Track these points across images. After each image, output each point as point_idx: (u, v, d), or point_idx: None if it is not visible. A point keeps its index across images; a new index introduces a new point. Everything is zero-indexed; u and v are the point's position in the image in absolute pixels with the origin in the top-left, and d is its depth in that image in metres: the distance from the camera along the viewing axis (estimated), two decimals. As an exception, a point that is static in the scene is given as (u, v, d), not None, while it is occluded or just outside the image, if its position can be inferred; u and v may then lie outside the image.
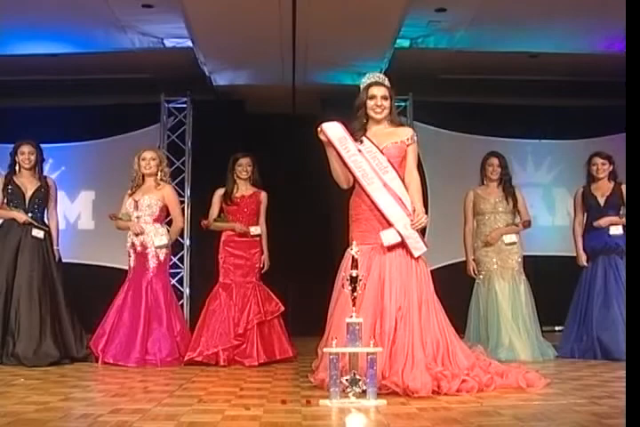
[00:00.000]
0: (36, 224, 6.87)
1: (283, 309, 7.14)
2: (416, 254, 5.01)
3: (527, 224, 7.35)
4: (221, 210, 7.31)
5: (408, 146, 5.21)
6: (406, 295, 4.92)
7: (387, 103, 5.24)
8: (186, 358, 6.69)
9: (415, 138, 5.23)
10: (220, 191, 7.31)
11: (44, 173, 7.23)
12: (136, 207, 6.98)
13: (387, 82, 5.34)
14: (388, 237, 4.98)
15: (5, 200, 6.94)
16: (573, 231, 7.42)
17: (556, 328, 8.67)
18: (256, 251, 7.21)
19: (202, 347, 6.74)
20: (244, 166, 7.27)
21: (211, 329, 6.88)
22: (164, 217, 7.13)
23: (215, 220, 7.28)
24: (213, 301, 7.08)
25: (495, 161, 7.37)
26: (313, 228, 9.95)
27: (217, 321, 6.92)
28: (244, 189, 7.30)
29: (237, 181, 7.30)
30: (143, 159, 7.02)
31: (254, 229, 7.21)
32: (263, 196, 7.32)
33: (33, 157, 7.00)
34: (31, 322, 6.57)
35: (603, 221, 7.12)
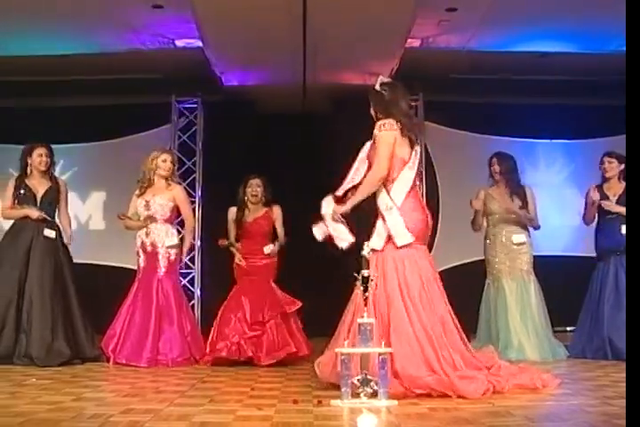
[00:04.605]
0: (49, 219, 6.89)
1: (299, 304, 7.15)
2: (340, 245, 5.03)
3: (535, 225, 7.33)
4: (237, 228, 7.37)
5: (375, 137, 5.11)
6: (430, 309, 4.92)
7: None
8: (212, 357, 6.75)
9: (382, 127, 5.01)
10: (233, 211, 7.34)
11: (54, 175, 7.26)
12: (147, 208, 7.00)
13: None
14: (317, 231, 5.11)
15: (16, 202, 6.97)
16: (584, 217, 7.36)
17: (568, 328, 8.64)
18: (270, 271, 7.31)
19: (227, 340, 6.79)
20: (253, 187, 7.29)
21: (228, 324, 6.95)
22: (175, 217, 7.16)
23: (230, 243, 7.35)
24: (230, 300, 7.16)
25: (494, 161, 7.37)
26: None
27: (234, 316, 6.98)
28: (255, 211, 7.34)
29: (248, 205, 7.33)
30: (164, 161, 7.04)
31: (267, 249, 7.26)
32: (275, 212, 7.34)
33: (48, 160, 7.03)
34: (43, 322, 6.59)
35: (613, 207, 7.05)
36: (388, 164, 4.98)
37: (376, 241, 4.97)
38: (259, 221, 7.30)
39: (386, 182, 5.02)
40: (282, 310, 7.02)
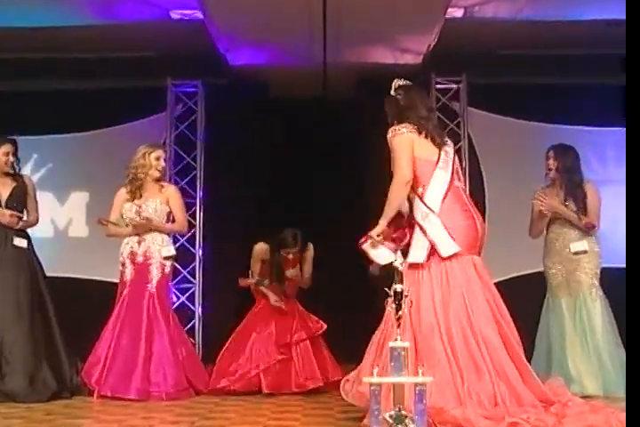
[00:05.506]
0: (20, 216, 6.83)
1: (325, 326, 7.37)
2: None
3: (589, 226, 7.17)
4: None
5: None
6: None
7: None
8: (220, 385, 6.85)
9: (394, 132, 5.31)
10: (264, 251, 7.59)
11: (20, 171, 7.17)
12: (138, 213, 6.96)
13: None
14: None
15: None
16: None
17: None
18: (294, 280, 7.62)
19: (241, 370, 6.93)
20: (291, 248, 7.48)
21: (247, 349, 7.10)
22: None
23: (258, 282, 7.56)
24: (249, 318, 7.40)
25: (551, 155, 7.26)
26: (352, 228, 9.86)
27: (254, 338, 7.17)
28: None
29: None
30: (157, 159, 7.06)
31: (289, 274, 7.56)
32: (307, 253, 7.64)
33: (15, 159, 6.98)
34: (22, 346, 6.55)
35: None
36: (409, 167, 5.24)
37: (417, 253, 5.13)
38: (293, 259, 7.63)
39: (416, 189, 5.26)
40: (311, 332, 7.27)
